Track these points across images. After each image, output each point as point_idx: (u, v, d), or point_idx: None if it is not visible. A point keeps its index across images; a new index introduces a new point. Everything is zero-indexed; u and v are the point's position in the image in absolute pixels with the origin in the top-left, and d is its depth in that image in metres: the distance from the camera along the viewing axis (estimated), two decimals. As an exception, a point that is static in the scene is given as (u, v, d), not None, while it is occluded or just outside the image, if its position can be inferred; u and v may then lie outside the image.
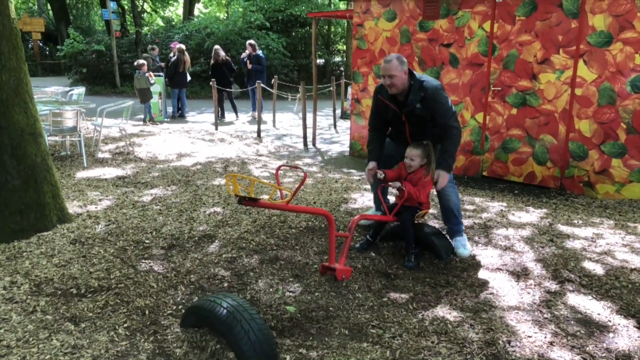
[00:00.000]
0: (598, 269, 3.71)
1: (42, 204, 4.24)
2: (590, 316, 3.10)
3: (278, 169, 3.18)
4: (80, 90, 10.07)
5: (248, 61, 12.41)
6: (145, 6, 28.98)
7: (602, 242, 4.27)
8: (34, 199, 4.18)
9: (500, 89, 6.67)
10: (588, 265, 3.78)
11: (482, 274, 3.65)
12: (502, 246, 4.14)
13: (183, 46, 12.49)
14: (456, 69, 7.01)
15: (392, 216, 3.98)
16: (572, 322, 3.04)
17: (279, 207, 3.10)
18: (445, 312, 3.14)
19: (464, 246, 3.89)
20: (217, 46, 12.55)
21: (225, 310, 2.62)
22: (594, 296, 3.35)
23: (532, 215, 5.02)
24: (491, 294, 3.38)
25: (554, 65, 6.20)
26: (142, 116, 11.61)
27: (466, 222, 4.69)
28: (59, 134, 7.07)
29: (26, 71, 4.20)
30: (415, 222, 4.00)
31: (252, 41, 12.70)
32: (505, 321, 3.03)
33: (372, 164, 4.05)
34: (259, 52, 12.66)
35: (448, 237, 4.05)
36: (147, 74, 11.17)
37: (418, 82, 3.73)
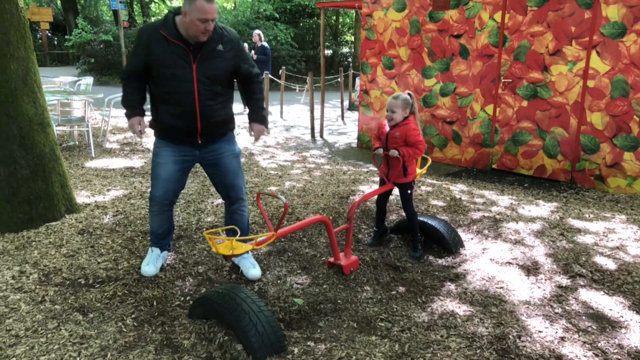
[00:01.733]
0: (610, 264, 3.67)
1: (51, 194, 4.24)
2: (602, 312, 3.07)
3: (258, 195, 3.02)
4: (88, 80, 10.06)
5: (253, 52, 12.36)
6: (153, -4, 28.89)
7: (613, 236, 4.22)
8: (42, 188, 4.18)
9: (510, 80, 6.59)
10: (600, 260, 3.74)
11: (492, 268, 3.62)
12: (512, 240, 4.09)
13: None
14: (466, 60, 6.93)
15: (392, 184, 3.82)
16: (584, 317, 3.00)
17: (271, 239, 2.87)
18: (454, 306, 3.11)
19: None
20: None
21: (233, 302, 2.61)
22: (606, 291, 3.30)
23: (542, 209, 4.96)
24: (501, 288, 3.35)
25: (566, 57, 6.11)
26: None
27: (475, 215, 4.65)
28: (67, 124, 7.07)
29: (35, 61, 4.18)
30: (422, 176, 3.89)
31: (259, 31, 12.63)
32: (515, 316, 3.00)
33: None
34: (264, 42, 12.61)
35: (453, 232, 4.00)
36: None
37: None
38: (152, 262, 3.38)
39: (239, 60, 3.18)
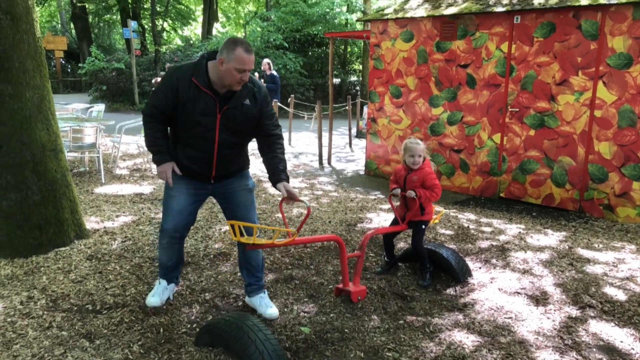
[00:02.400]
0: (620, 295, 3.62)
1: (61, 220, 4.29)
2: (612, 343, 3.02)
3: (281, 202, 3.11)
4: (100, 107, 10.24)
5: (262, 80, 12.54)
6: (165, 25, 29.54)
7: (623, 267, 4.18)
8: (52, 214, 4.22)
9: (517, 110, 6.63)
10: (609, 290, 3.69)
11: (500, 298, 3.58)
12: (521, 269, 4.06)
13: None
14: (473, 89, 7.00)
15: (406, 224, 3.91)
16: (594, 349, 2.96)
17: (286, 244, 3.05)
18: (462, 336, 3.08)
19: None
20: None
21: (239, 330, 2.60)
22: (616, 323, 3.26)
23: (550, 238, 4.94)
24: (510, 318, 3.31)
25: (573, 87, 6.16)
26: None
27: (483, 244, 4.63)
28: (79, 150, 7.17)
29: (49, 89, 4.28)
30: (432, 224, 3.92)
31: (268, 60, 12.84)
32: (524, 346, 2.96)
33: None
34: (274, 71, 12.80)
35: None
36: None
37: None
38: (157, 294, 3.31)
39: (264, 118, 3.12)
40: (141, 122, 8.57)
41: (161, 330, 3.03)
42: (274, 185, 3.08)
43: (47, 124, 4.19)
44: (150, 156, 8.61)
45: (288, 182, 3.10)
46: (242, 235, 2.95)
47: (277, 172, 3.09)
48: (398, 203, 4.01)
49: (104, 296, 3.42)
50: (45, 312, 3.19)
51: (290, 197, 3.04)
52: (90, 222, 4.96)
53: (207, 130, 2.99)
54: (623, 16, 5.72)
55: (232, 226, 2.95)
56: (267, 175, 3.17)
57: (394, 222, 4.04)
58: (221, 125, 3.00)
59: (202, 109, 2.95)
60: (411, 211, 3.83)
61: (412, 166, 3.82)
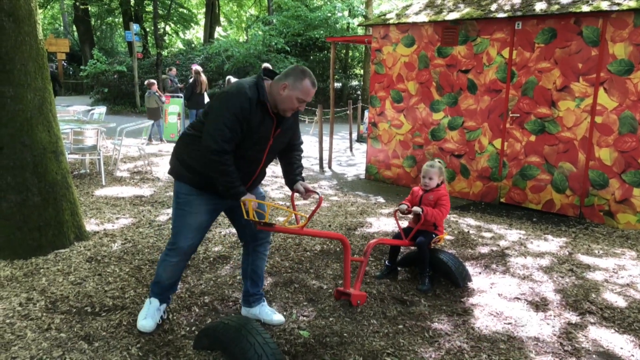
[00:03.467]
0: (620, 301, 3.62)
1: (61, 222, 4.29)
2: (612, 350, 3.01)
3: (293, 192, 3.17)
4: (101, 109, 10.25)
5: None
6: (167, 29, 29.61)
7: (624, 273, 4.17)
8: (52, 216, 4.22)
9: (518, 115, 6.63)
10: (610, 297, 3.69)
11: (500, 303, 3.58)
12: (521, 275, 4.06)
13: (200, 68, 12.71)
14: (474, 95, 7.01)
15: (409, 240, 3.96)
16: (594, 355, 2.95)
17: (294, 232, 3.08)
18: (462, 341, 3.07)
19: None
20: (228, 77, 12.79)
21: (238, 333, 2.60)
22: (616, 329, 3.25)
23: (551, 244, 4.93)
24: (509, 323, 3.30)
25: (574, 93, 6.16)
26: (158, 136, 11.80)
27: (483, 249, 4.62)
28: (80, 152, 7.18)
29: (51, 90, 4.29)
30: (431, 246, 3.97)
31: (268, 65, 12.87)
32: (524, 352, 2.95)
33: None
34: None
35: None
36: (157, 93, 11.44)
37: None
38: (150, 316, 3.06)
39: (294, 132, 3.12)
40: (141, 124, 8.48)
41: (160, 333, 3.02)
42: (291, 185, 3.10)
43: (48, 126, 4.20)
44: (150, 159, 8.59)
45: (303, 180, 3.15)
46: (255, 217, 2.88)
47: (293, 178, 3.11)
48: (403, 220, 4.11)
49: (103, 298, 3.42)
50: (44, 314, 3.18)
51: (307, 191, 3.09)
52: (90, 224, 4.96)
53: (259, 152, 2.90)
54: (624, 23, 5.73)
55: (245, 204, 2.81)
56: (268, 179, 3.17)
57: (397, 236, 4.09)
58: (270, 147, 2.93)
59: (264, 132, 2.85)
60: (424, 226, 3.94)
61: (424, 187, 4.00)
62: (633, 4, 5.59)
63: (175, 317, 3.23)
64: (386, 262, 4.09)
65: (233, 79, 12.43)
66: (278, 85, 2.80)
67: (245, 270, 3.26)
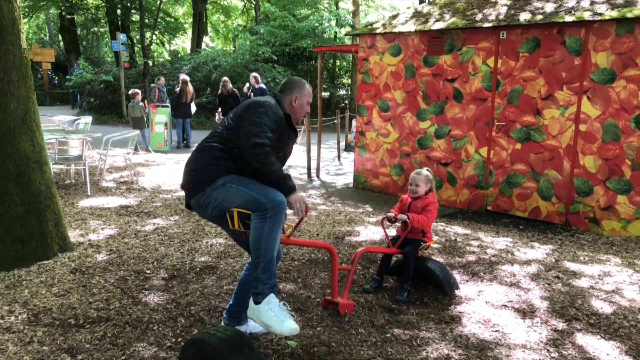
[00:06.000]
0: (606, 308, 3.64)
1: (44, 232, 4.22)
2: (598, 356, 3.03)
3: None
4: (87, 119, 10.17)
5: (252, 94, 12.56)
6: (154, 38, 29.54)
7: (609, 280, 4.20)
8: (35, 227, 4.16)
9: (504, 123, 6.69)
10: (596, 303, 3.71)
11: (487, 311, 3.58)
12: (508, 282, 4.07)
13: (187, 78, 12.68)
14: (460, 103, 7.06)
15: (396, 248, 3.95)
16: (581, 362, 2.96)
17: (281, 241, 3.07)
18: (449, 349, 3.06)
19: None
20: (225, 77, 12.73)
21: (225, 344, 2.57)
22: (602, 336, 3.27)
23: (537, 251, 4.96)
24: (497, 331, 3.31)
25: (558, 102, 6.24)
26: (144, 145, 11.73)
27: (471, 257, 4.63)
28: (65, 162, 7.10)
29: (34, 100, 4.24)
30: (419, 254, 3.97)
31: (255, 74, 12.88)
32: (511, 360, 2.95)
33: None
34: (262, 85, 12.82)
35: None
36: (141, 103, 11.39)
37: None
38: (285, 316, 2.72)
39: None
40: (128, 134, 8.41)
41: (145, 345, 2.98)
42: None
43: (32, 135, 4.15)
44: (137, 169, 8.52)
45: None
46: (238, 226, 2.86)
47: None
48: (391, 229, 4.11)
49: (87, 310, 3.36)
50: (27, 327, 3.13)
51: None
52: (75, 235, 4.90)
53: (280, 159, 3.06)
54: (606, 32, 5.82)
55: (231, 215, 2.82)
56: None
57: (389, 245, 4.09)
58: (284, 155, 3.15)
59: (287, 144, 3.09)
60: (412, 234, 3.98)
61: (412, 194, 4.03)
62: (615, 14, 5.69)
63: (161, 329, 3.19)
64: (374, 275, 4.07)
65: (229, 83, 12.42)
66: (289, 100, 3.08)
67: (242, 289, 3.11)
